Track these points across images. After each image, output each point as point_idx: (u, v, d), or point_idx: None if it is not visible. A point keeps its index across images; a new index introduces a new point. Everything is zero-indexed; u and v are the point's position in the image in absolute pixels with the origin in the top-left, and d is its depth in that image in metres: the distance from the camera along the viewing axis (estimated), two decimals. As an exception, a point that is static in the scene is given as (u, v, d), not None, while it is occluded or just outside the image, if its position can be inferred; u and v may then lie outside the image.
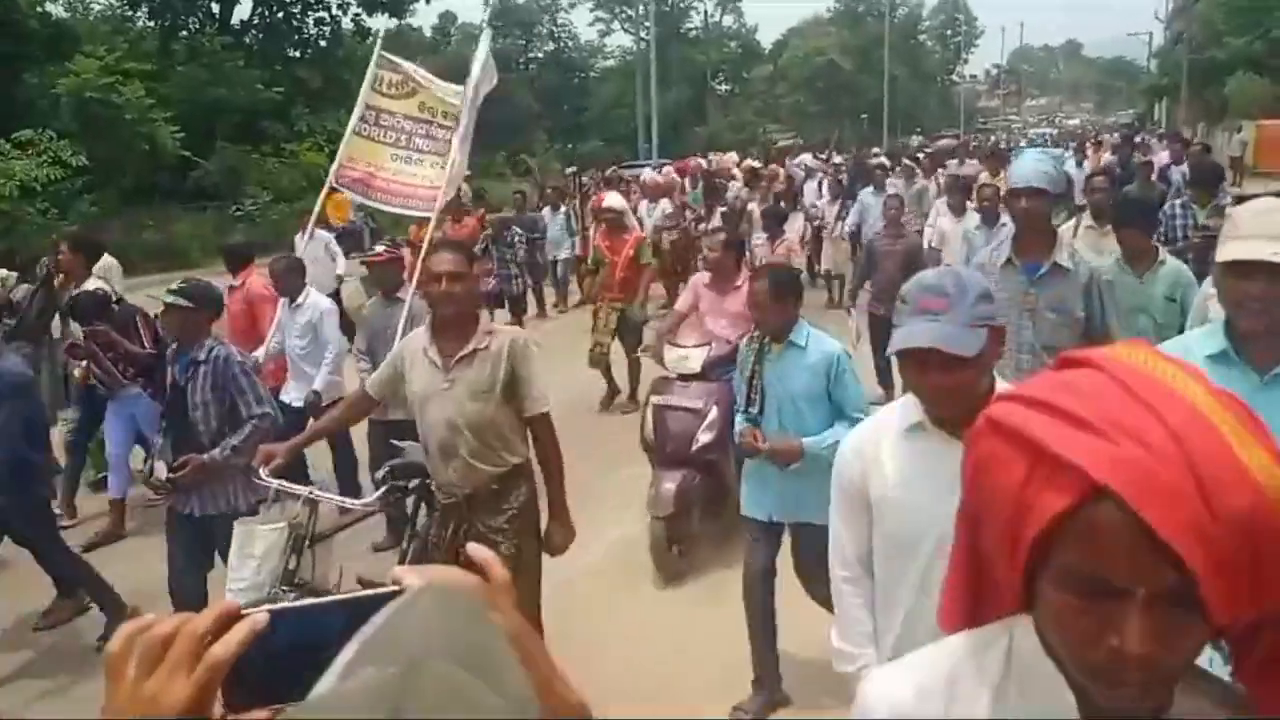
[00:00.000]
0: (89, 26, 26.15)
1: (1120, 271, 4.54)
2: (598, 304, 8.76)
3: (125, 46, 23.29)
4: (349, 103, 7.30)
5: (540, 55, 55.62)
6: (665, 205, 13.19)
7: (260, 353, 5.93)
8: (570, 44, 57.61)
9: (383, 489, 4.05)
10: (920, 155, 21.63)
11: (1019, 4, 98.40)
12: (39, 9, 23.64)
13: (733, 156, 21.47)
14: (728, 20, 60.71)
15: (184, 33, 27.31)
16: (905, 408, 2.18)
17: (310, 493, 3.84)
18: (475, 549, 0.78)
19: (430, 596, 0.66)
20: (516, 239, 11.58)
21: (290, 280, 6.07)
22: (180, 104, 22.45)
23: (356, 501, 4.37)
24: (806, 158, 22.78)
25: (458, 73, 7.07)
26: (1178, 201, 7.89)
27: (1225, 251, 2.27)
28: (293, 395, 5.98)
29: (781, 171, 17.38)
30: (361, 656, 0.59)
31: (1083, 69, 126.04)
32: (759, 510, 3.84)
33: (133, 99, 20.38)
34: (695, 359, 5.30)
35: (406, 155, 6.65)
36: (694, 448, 5.02)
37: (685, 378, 5.29)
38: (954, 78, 78.88)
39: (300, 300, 6.03)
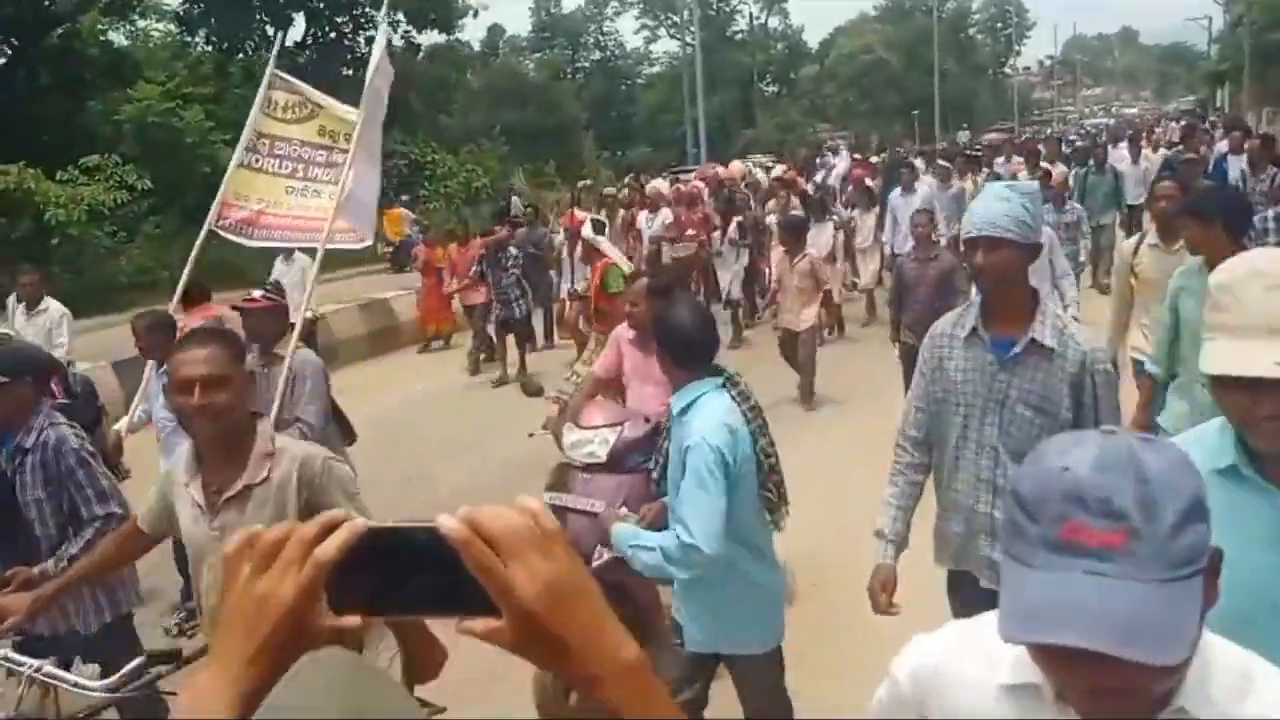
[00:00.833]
0: (149, 53, 26.88)
1: (1198, 276, 3.69)
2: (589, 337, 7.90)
3: (184, 72, 23.94)
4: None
5: (587, 65, 55.99)
6: (666, 215, 12.25)
7: (123, 424, 5.16)
8: (616, 52, 57.94)
9: (135, 679, 2.69)
10: (969, 152, 20.51)
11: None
12: (101, 38, 24.38)
13: (738, 166, 19.53)
14: (773, 21, 60.65)
15: (240, 55, 27.95)
16: None
17: (35, 669, 2.70)
18: (524, 499, 0.77)
19: (312, 665, 0.71)
20: (510, 261, 10.36)
21: (152, 340, 4.90)
22: (237, 126, 22.90)
23: (97, 685, 2.70)
24: (839, 160, 20.30)
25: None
26: (1270, 214, 6.45)
27: (1217, 354, 1.66)
28: None
29: (799, 179, 15.61)
30: None
31: (1139, 56, 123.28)
32: (690, 641, 3.11)
33: (192, 122, 20.94)
34: (600, 445, 4.05)
35: (303, 187, 5.76)
36: (594, 564, 3.65)
37: (591, 468, 4.03)
38: (1006, 70, 77.71)
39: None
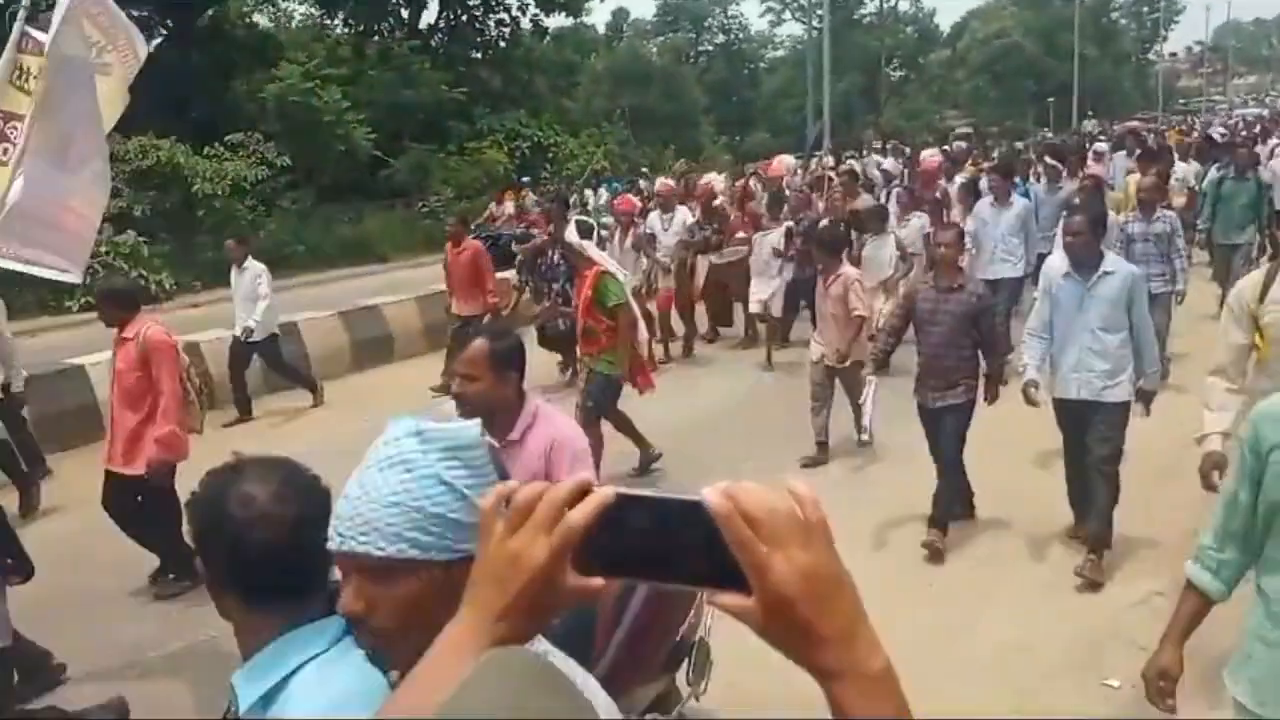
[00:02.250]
0: (291, 35, 28.07)
1: None
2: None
3: (323, 53, 24.88)
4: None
5: (710, 48, 55.72)
6: (684, 215, 10.55)
7: None
8: (740, 35, 57.47)
9: None
10: (1092, 143, 18.74)
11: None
12: (246, 19, 25.56)
13: (789, 160, 16.37)
14: (904, 5, 59.13)
15: (376, 37, 28.86)
16: None
17: None
18: (795, 483, 0.75)
19: (496, 668, 0.72)
20: (548, 269, 9.35)
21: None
22: (372, 106, 23.80)
23: None
24: (886, 160, 17.90)
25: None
26: None
27: None
28: None
29: (834, 177, 13.01)
30: None
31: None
32: None
33: (330, 102, 21.79)
34: None
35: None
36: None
37: None
38: (1151, 56, 73.98)
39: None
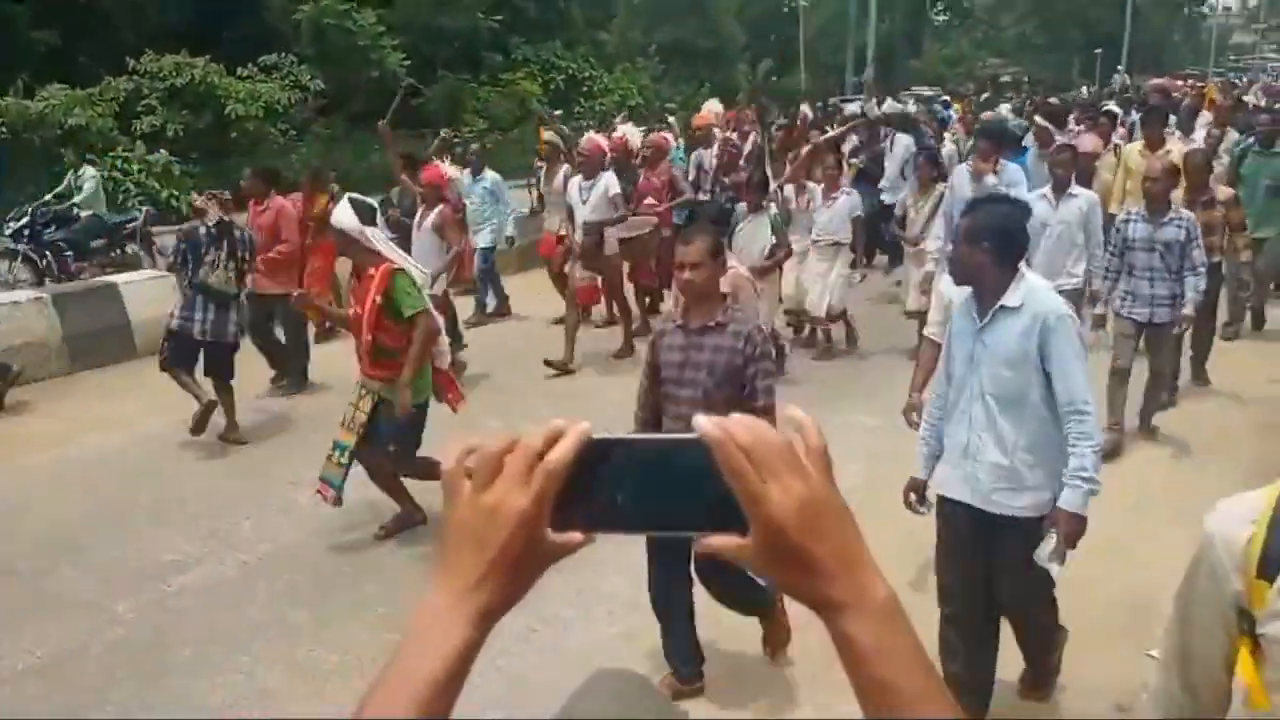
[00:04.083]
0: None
1: None
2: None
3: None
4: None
5: (751, -17, 54.44)
6: (610, 184, 8.22)
7: None
8: (783, -29, 56.09)
9: None
10: (1117, 102, 16.90)
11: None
12: (283, -62, 25.16)
13: (714, 105, 14.37)
14: (952, -55, 57.36)
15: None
16: None
17: None
18: (794, 411, 0.72)
19: (607, 681, 0.68)
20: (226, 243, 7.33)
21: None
22: (408, 30, 23.47)
23: None
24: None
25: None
26: None
27: None
28: None
29: (816, 134, 11.14)
30: None
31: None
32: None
33: (365, 26, 21.50)
34: None
35: None
36: None
37: None
38: (1204, 10, 71.71)
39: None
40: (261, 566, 5.07)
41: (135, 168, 15.95)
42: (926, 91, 29.36)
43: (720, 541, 0.69)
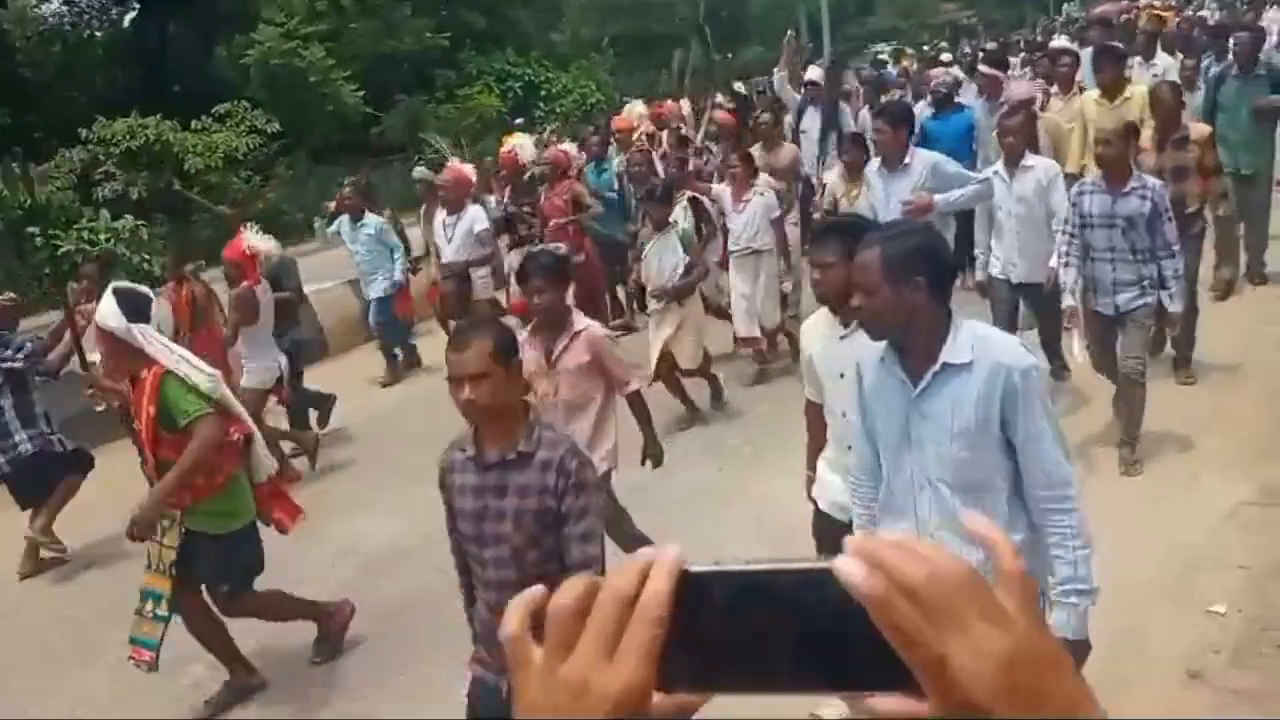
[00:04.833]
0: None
1: None
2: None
3: (302, 10, 24.27)
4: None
5: (696, -37, 54.13)
6: (475, 217, 7.47)
7: None
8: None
9: None
10: (1071, 37, 15.26)
11: None
12: (220, -17, 24.88)
13: (639, 107, 12.83)
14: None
15: (354, -11, 28.12)
16: None
17: None
18: (976, 519, 0.56)
19: None
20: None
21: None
22: (357, 60, 23.25)
23: None
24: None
25: None
26: None
27: None
28: None
29: (721, 114, 10.28)
30: None
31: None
32: None
33: (314, 61, 21.27)
34: None
35: None
36: None
37: None
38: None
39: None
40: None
41: (103, 236, 15.71)
42: (885, 49, 28.96)
43: (890, 706, 0.50)
